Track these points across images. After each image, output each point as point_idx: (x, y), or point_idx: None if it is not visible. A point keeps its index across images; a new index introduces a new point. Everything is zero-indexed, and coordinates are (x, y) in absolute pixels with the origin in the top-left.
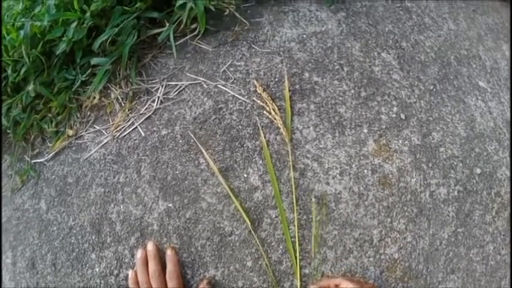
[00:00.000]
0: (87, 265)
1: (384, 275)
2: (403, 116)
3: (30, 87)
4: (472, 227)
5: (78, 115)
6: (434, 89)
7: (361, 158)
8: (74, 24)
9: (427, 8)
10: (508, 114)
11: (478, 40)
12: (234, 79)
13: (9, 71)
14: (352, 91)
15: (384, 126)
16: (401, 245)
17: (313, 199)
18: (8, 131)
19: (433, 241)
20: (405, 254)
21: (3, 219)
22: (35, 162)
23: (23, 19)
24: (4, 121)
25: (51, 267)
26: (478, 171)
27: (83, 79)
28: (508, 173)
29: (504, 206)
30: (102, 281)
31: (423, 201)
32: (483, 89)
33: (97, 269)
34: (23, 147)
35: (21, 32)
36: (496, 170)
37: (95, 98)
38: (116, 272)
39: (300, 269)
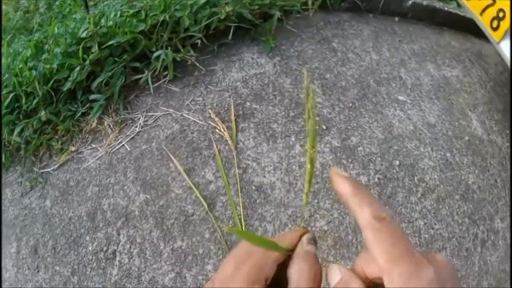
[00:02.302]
0: (82, 245)
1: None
2: (324, 127)
3: (42, 114)
4: (397, 206)
5: (79, 136)
6: (353, 106)
7: (290, 158)
8: (77, 69)
9: (352, 45)
10: (430, 118)
11: (401, 64)
12: (195, 110)
13: (23, 101)
14: (283, 112)
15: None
16: (329, 219)
17: (254, 187)
18: (22, 145)
19: None
20: (334, 227)
21: (11, 217)
22: (42, 172)
23: (33, 62)
24: (18, 139)
25: (51, 251)
26: (397, 163)
27: (83, 111)
28: (432, 163)
29: (430, 189)
30: (93, 257)
31: None
32: (402, 101)
33: (90, 248)
34: (32, 161)
35: (34, 72)
36: (417, 162)
37: (92, 124)
38: (105, 248)
39: None
